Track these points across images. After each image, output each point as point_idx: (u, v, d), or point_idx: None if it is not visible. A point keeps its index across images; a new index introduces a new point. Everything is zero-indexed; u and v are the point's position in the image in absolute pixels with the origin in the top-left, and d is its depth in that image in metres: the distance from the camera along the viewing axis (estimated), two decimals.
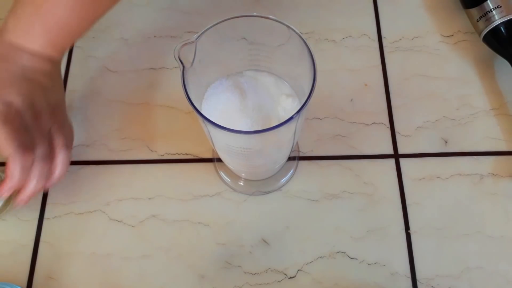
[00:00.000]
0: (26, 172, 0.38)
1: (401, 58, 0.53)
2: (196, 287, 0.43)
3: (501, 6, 0.49)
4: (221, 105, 0.37)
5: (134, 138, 0.50)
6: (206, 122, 0.30)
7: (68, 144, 0.42)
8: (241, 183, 0.48)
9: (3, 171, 0.39)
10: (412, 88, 0.52)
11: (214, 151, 0.48)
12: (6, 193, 0.39)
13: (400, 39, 0.54)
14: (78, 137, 0.50)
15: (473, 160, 0.48)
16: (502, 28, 0.49)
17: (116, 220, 0.46)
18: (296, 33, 0.32)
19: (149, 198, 0.47)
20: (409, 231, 0.45)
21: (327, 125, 0.50)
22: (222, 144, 0.36)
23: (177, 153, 0.49)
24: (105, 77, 0.53)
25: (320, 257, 0.44)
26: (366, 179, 0.47)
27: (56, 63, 0.41)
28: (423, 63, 0.53)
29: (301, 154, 0.49)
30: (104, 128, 0.50)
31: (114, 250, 0.45)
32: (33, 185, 0.39)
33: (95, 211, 0.46)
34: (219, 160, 0.48)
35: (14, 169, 0.37)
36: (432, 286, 0.43)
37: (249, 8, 0.55)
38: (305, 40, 0.32)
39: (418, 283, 0.43)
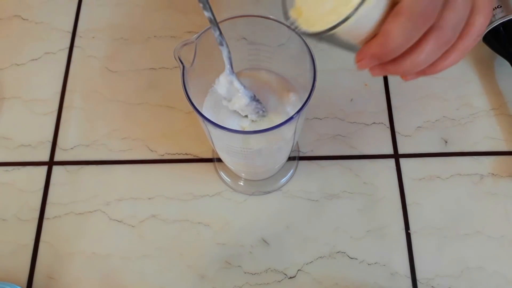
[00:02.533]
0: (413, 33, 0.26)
1: None
2: (196, 287, 0.43)
3: (501, 6, 0.49)
4: (221, 105, 0.37)
5: (134, 138, 0.50)
6: (206, 122, 0.30)
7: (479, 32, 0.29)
8: (241, 183, 0.48)
9: None
10: (412, 88, 0.52)
11: (214, 151, 0.48)
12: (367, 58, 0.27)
13: None
14: (78, 137, 0.50)
15: (473, 160, 0.48)
16: (502, 28, 0.49)
17: (116, 220, 0.46)
18: (296, 33, 0.32)
19: (149, 198, 0.47)
20: (409, 231, 0.45)
21: (327, 125, 0.50)
22: (222, 144, 0.36)
23: (177, 153, 0.49)
24: (105, 77, 0.53)
25: (320, 257, 0.44)
26: (366, 179, 0.47)
27: None
28: None
29: (301, 154, 0.49)
30: (104, 128, 0.50)
31: (114, 250, 0.45)
32: (420, 57, 0.27)
33: (95, 211, 0.46)
34: (219, 160, 0.48)
35: (394, 27, 0.25)
36: (432, 286, 0.43)
37: (249, 8, 0.55)
38: (305, 40, 0.32)
39: (418, 283, 0.43)
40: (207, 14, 0.29)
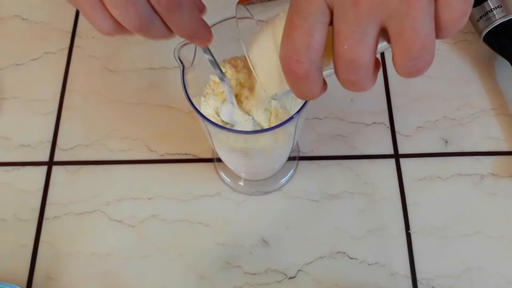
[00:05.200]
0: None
1: None
2: (196, 287, 0.43)
3: (501, 6, 0.49)
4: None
5: (134, 138, 0.50)
6: (206, 122, 0.30)
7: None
8: (241, 183, 0.48)
9: None
10: (412, 88, 0.52)
11: (214, 151, 0.48)
12: None
13: None
14: (78, 137, 0.50)
15: (473, 160, 0.48)
16: (502, 28, 0.49)
17: (116, 220, 0.46)
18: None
19: (149, 198, 0.47)
20: (409, 231, 0.45)
21: (327, 125, 0.50)
22: (222, 144, 0.36)
23: (177, 153, 0.49)
24: (105, 77, 0.53)
25: (320, 257, 0.44)
26: (366, 179, 0.47)
27: None
28: None
29: (301, 154, 0.49)
30: (104, 128, 0.50)
31: (114, 250, 0.45)
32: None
33: (95, 211, 0.46)
34: (219, 160, 0.48)
35: None
36: (433, 286, 0.43)
37: None
38: None
39: (418, 283, 0.43)
40: (207, 56, 0.30)
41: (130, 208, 0.46)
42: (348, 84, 0.24)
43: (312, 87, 0.24)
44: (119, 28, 0.24)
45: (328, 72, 0.26)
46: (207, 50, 0.30)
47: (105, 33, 0.25)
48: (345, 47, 0.22)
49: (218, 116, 0.35)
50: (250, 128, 0.34)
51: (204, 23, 0.26)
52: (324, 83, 0.25)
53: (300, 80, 0.23)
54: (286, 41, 0.23)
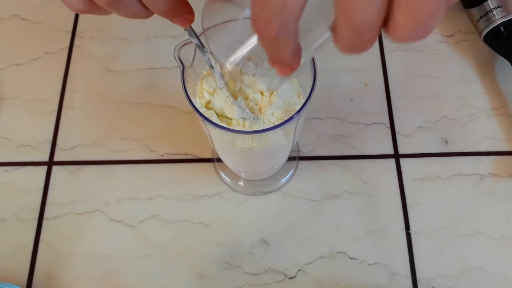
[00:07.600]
0: None
1: (401, 58, 0.53)
2: (196, 287, 0.43)
3: (501, 6, 0.49)
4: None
5: (134, 138, 0.50)
6: (206, 122, 0.30)
7: None
8: (241, 183, 0.48)
9: None
10: (412, 88, 0.52)
11: (214, 151, 0.48)
12: None
13: None
14: (78, 137, 0.50)
15: (474, 160, 0.48)
16: (502, 28, 0.49)
17: (116, 220, 0.46)
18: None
19: (149, 198, 0.47)
20: (409, 231, 0.45)
21: (327, 125, 0.50)
22: (222, 144, 0.36)
23: (177, 153, 0.49)
24: (105, 77, 0.53)
25: (320, 257, 0.44)
26: (366, 179, 0.47)
27: None
28: (423, 63, 0.53)
29: (301, 154, 0.49)
30: (104, 128, 0.50)
31: (114, 250, 0.45)
32: None
33: (95, 211, 0.46)
34: (219, 160, 0.48)
35: None
36: (433, 286, 0.43)
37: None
38: None
39: (418, 283, 0.43)
40: (193, 40, 0.29)
41: (130, 208, 0.46)
42: (350, 47, 0.21)
43: (286, 49, 0.21)
44: (90, 3, 0.23)
45: (322, 40, 0.23)
46: (192, 32, 0.27)
47: (76, 10, 0.23)
48: (354, 9, 0.18)
49: (211, 108, 0.34)
50: (240, 115, 0.33)
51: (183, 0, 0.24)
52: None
53: (273, 42, 0.20)
54: (256, 6, 0.19)
